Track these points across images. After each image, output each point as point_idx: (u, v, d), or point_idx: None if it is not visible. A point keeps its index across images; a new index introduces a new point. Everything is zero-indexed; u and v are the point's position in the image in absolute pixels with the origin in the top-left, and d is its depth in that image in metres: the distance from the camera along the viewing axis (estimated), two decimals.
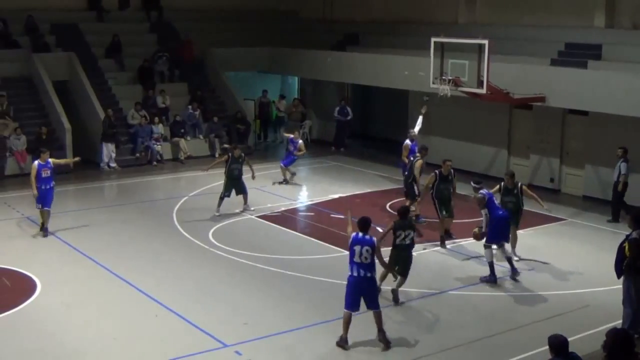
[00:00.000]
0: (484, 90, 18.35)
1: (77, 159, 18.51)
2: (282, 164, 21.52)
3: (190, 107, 25.83)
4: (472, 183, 14.77)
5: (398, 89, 24.17)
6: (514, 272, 13.99)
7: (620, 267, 11.06)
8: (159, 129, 24.66)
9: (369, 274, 10.90)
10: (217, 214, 17.98)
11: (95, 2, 28.24)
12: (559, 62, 20.34)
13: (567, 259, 15.30)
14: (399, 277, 12.68)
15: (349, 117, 26.95)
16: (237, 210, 18.29)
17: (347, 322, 11.01)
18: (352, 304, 10.99)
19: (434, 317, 12.48)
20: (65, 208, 18.30)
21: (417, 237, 12.94)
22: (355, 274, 10.89)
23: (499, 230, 13.85)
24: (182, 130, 25.07)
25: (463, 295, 13.30)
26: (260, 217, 18.07)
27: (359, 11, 28.63)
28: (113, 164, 23.56)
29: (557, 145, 20.89)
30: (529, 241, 15.90)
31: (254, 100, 28.74)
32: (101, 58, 26.72)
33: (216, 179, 21.22)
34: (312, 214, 18.71)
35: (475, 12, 24.96)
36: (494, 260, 13.82)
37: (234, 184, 18.15)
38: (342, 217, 17.39)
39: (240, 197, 18.35)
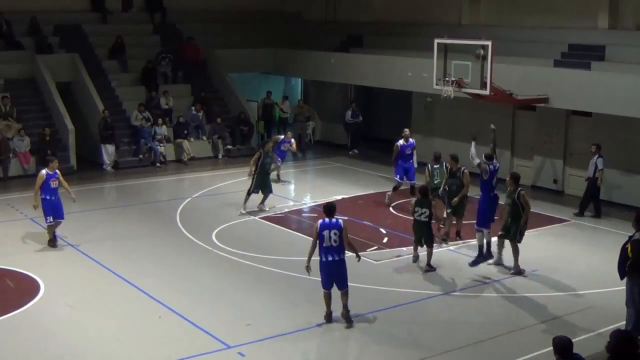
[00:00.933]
0: (487, 92, 18.34)
1: (74, 199, 16.37)
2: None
3: (193, 108, 25.83)
4: (483, 156, 14.72)
5: (401, 90, 24.15)
6: (478, 260, 14.36)
7: (624, 268, 11.03)
8: (162, 130, 24.64)
9: (337, 257, 11.50)
10: (244, 211, 18.04)
11: (98, 4, 28.26)
12: (562, 64, 20.31)
13: (570, 260, 15.29)
14: (427, 249, 14.27)
15: (359, 120, 26.88)
16: (255, 209, 18.39)
17: (327, 299, 11.75)
18: (327, 285, 11.71)
19: (438, 318, 12.47)
20: (68, 209, 18.16)
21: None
22: (324, 259, 11.57)
23: (487, 213, 14.30)
24: (186, 132, 25.06)
25: (466, 297, 13.27)
26: (263, 218, 18.07)
27: (363, 12, 28.61)
28: (111, 165, 23.52)
29: (561, 146, 20.86)
30: (532, 242, 15.85)
31: (257, 101, 28.74)
32: (104, 59, 26.71)
33: (219, 180, 21.27)
34: (315, 215, 18.67)
35: (479, 13, 24.93)
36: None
37: (264, 180, 18.21)
38: (345, 218, 17.30)
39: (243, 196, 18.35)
